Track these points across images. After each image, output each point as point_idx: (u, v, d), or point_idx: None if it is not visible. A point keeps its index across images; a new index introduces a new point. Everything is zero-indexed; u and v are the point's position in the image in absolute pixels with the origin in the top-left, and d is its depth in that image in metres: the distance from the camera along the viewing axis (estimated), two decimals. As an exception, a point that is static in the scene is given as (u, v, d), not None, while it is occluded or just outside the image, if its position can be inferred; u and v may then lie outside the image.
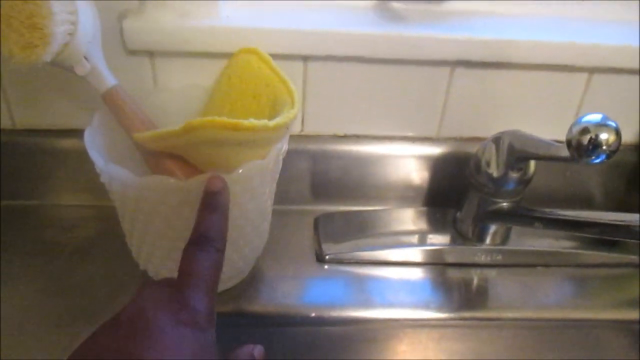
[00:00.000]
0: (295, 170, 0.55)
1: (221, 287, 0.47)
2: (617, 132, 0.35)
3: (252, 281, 0.49)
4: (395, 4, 0.54)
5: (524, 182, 0.48)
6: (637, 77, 0.54)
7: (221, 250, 0.32)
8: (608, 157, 0.35)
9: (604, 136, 0.35)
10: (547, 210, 0.47)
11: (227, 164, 0.39)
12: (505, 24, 0.53)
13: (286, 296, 0.48)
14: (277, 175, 0.45)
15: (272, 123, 0.37)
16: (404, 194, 0.57)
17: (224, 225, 0.33)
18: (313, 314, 0.47)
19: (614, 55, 0.52)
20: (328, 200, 0.57)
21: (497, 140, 0.47)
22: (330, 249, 0.51)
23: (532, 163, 0.48)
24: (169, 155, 0.42)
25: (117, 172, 0.38)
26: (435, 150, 0.55)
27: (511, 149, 0.45)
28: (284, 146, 0.43)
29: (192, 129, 0.36)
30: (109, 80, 0.43)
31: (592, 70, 0.53)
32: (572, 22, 0.54)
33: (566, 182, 0.59)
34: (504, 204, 0.49)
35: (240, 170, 0.39)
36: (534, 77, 0.53)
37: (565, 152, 0.37)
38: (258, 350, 0.31)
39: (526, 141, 0.43)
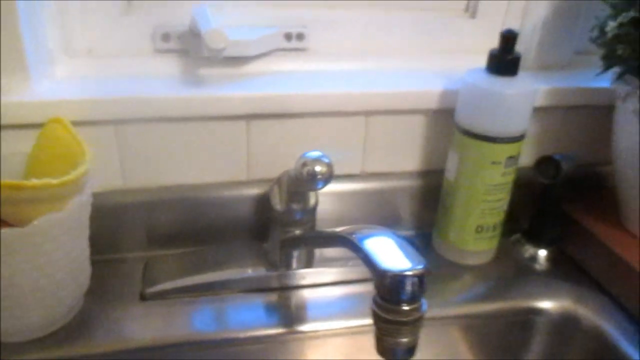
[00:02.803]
0: (123, 221, 0.62)
1: (44, 331, 0.52)
2: (329, 165, 0.45)
3: (78, 324, 0.54)
4: (200, 70, 0.62)
5: (309, 211, 0.56)
6: (409, 116, 0.65)
7: None
8: (325, 184, 0.45)
9: (318, 168, 0.45)
10: (330, 230, 0.55)
11: (27, 217, 0.46)
12: (292, 80, 0.63)
13: (107, 334, 0.53)
14: (87, 223, 0.52)
15: (55, 181, 0.44)
16: (228, 232, 0.65)
17: None
18: (132, 345, 0.53)
19: (386, 100, 0.63)
20: (159, 246, 0.64)
21: (279, 179, 0.55)
22: (153, 288, 0.58)
23: (313, 194, 0.56)
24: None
25: None
26: (248, 191, 0.63)
27: (287, 185, 0.54)
28: (83, 198, 0.49)
29: (-22, 191, 0.42)
30: None
31: (368, 114, 0.63)
32: (350, 74, 0.65)
33: (377, 207, 0.69)
34: (297, 231, 0.57)
35: (36, 222, 0.45)
36: (321, 123, 0.62)
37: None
38: None
39: (292, 178, 0.52)
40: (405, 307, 0.37)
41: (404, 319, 0.37)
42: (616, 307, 0.60)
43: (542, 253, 0.68)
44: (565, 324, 0.60)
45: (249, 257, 0.62)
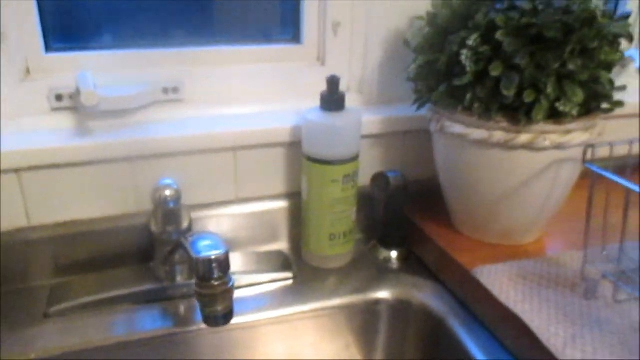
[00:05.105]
0: (29, 255, 0.72)
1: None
2: (176, 189, 0.58)
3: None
4: (89, 123, 0.75)
5: (183, 232, 0.69)
6: (269, 149, 0.78)
7: None
8: (175, 204, 0.57)
9: (167, 192, 0.58)
10: (179, 239, 0.66)
11: None
12: (169, 126, 0.76)
13: (12, 348, 0.64)
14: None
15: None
16: (123, 257, 0.76)
17: None
18: (33, 355, 0.63)
19: (248, 137, 0.76)
20: (63, 275, 0.74)
21: (155, 209, 0.68)
22: (55, 307, 0.68)
23: (186, 217, 0.69)
24: None
25: None
26: (137, 221, 0.75)
27: (161, 213, 0.66)
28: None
29: None
30: None
31: (235, 149, 0.77)
32: (220, 118, 0.79)
33: (252, 227, 0.81)
34: (169, 248, 0.69)
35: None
36: (196, 159, 0.75)
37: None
38: None
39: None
40: (215, 283, 0.50)
41: (215, 292, 0.50)
42: (445, 292, 0.74)
43: (394, 254, 0.82)
44: (401, 308, 0.74)
45: (140, 275, 0.74)
